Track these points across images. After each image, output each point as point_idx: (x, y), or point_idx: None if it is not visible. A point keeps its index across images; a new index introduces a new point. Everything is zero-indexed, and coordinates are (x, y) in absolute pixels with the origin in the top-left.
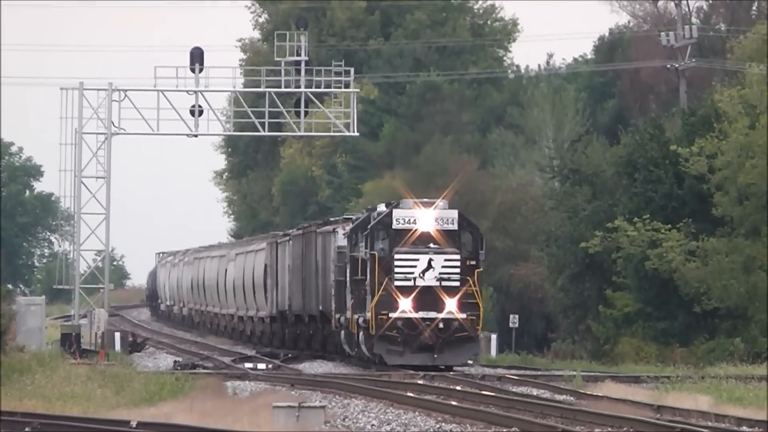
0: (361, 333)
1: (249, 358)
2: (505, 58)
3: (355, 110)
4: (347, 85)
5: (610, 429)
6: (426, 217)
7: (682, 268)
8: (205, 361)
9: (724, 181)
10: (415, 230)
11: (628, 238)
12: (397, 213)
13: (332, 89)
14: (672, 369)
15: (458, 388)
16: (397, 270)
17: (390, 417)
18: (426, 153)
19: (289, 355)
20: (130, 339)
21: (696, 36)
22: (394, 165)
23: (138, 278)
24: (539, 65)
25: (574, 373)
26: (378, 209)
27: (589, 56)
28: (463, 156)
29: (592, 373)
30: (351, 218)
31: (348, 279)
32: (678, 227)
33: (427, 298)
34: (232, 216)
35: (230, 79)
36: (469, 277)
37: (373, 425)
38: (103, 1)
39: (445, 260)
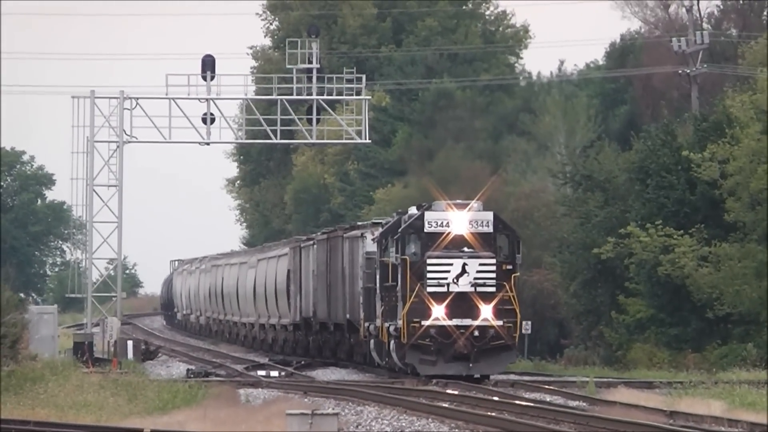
0: (392, 342)
1: (262, 366)
2: (516, 64)
3: (367, 117)
4: (359, 93)
5: None
6: (460, 219)
7: (695, 274)
8: (218, 369)
9: (737, 186)
10: (449, 233)
11: (641, 243)
12: (429, 215)
13: (344, 96)
14: (685, 374)
15: (471, 394)
16: (429, 275)
17: (403, 424)
18: (439, 159)
19: (302, 363)
20: (143, 347)
21: (707, 42)
22: (406, 172)
23: (150, 286)
24: (551, 72)
25: (587, 379)
26: (409, 212)
27: (601, 62)
28: (475, 163)
29: (605, 379)
30: (380, 222)
31: (378, 286)
32: (690, 233)
33: (462, 304)
34: (245, 224)
35: (242, 86)
36: (505, 283)
37: None
38: (114, 9)
39: (480, 265)
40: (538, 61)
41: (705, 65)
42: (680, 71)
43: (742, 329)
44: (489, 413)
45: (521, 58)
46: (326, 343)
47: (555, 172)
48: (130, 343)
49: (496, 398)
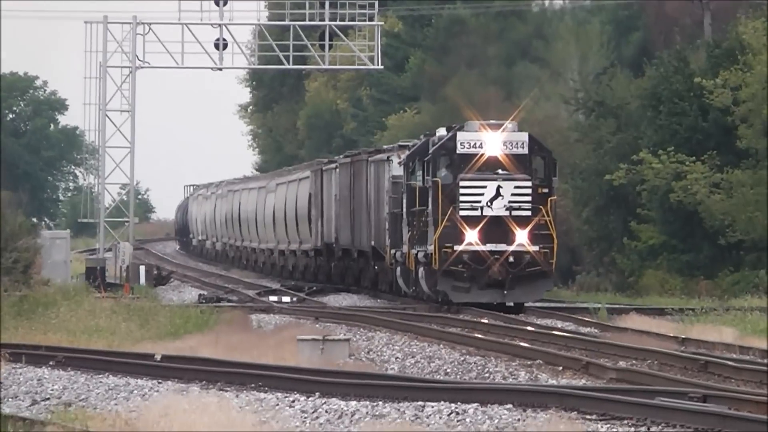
0: (421, 269)
1: (273, 292)
2: None
3: (380, 43)
4: (371, 18)
5: (634, 361)
6: (493, 140)
7: (707, 201)
8: (230, 295)
9: (749, 113)
10: (482, 155)
11: (653, 170)
12: (461, 136)
13: (356, 22)
14: (696, 301)
15: (483, 320)
16: (462, 198)
17: (414, 350)
18: (452, 86)
19: (314, 288)
20: (155, 272)
21: None
22: (419, 98)
23: (162, 212)
24: None
25: (599, 305)
26: (438, 133)
27: None
28: (489, 89)
29: (617, 306)
30: (407, 145)
31: (404, 211)
32: (702, 160)
33: (496, 229)
34: (257, 149)
35: (254, 12)
36: (541, 206)
37: (397, 358)
38: None
39: (515, 187)
40: None
41: None
42: None
43: (755, 256)
44: (500, 339)
45: None
46: (349, 270)
47: (567, 99)
48: (142, 268)
49: (504, 324)
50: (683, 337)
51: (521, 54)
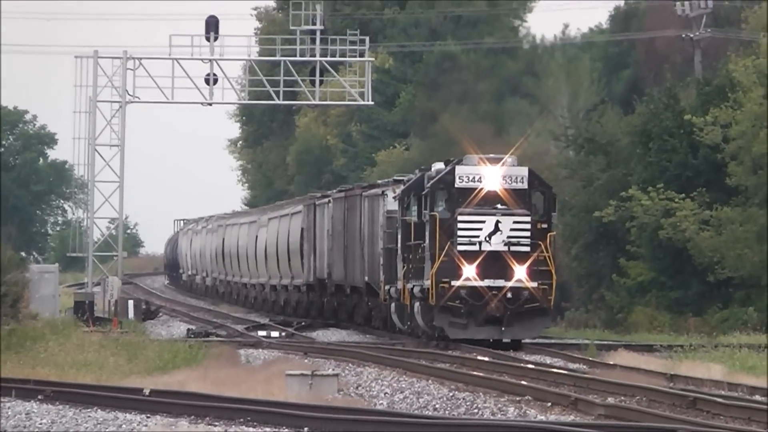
0: (417, 304)
1: (262, 326)
2: (521, 27)
3: (370, 79)
4: (362, 54)
5: (623, 397)
6: (493, 174)
7: (696, 238)
8: (219, 329)
9: (739, 150)
10: (481, 189)
11: (643, 207)
12: (460, 170)
13: (347, 58)
14: (685, 338)
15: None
16: (460, 233)
17: (403, 385)
18: (442, 122)
19: (303, 323)
20: (144, 307)
21: (711, 6)
22: (409, 134)
23: (151, 246)
24: (555, 35)
25: (588, 341)
26: (434, 167)
27: (605, 26)
28: (478, 125)
29: (606, 342)
30: (401, 180)
31: (400, 245)
32: (692, 197)
33: (494, 264)
34: (247, 185)
35: (245, 47)
36: (540, 242)
37: (386, 393)
38: None
39: (514, 222)
40: (542, 24)
41: (708, 29)
42: (684, 35)
43: (743, 293)
44: (489, 375)
45: (525, 22)
46: (342, 306)
47: (557, 135)
48: (130, 302)
49: (493, 360)
50: (672, 373)
51: (511, 90)
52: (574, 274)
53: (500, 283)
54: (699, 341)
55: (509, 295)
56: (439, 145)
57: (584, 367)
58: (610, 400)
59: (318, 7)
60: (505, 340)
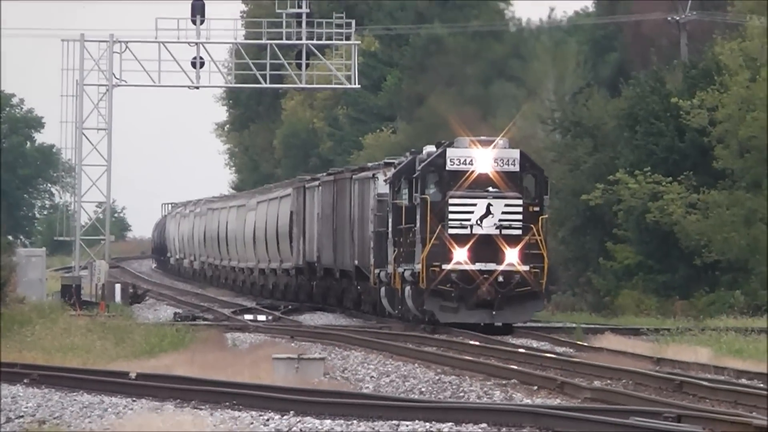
0: (407, 288)
1: (249, 310)
2: (507, 11)
3: (356, 62)
4: (348, 38)
5: (609, 381)
6: (484, 157)
7: (683, 221)
8: (206, 313)
9: (725, 134)
10: (472, 172)
11: (629, 190)
12: (451, 153)
13: (333, 41)
14: (672, 321)
15: (458, 339)
16: (451, 216)
17: (389, 369)
18: (429, 105)
19: (289, 307)
20: (131, 291)
21: None
22: (395, 117)
23: (138, 230)
24: (540, 18)
25: (575, 325)
26: (425, 150)
27: (591, 10)
28: (465, 108)
29: (593, 326)
30: (392, 163)
31: (390, 229)
32: (679, 180)
33: (486, 248)
34: (234, 168)
35: (231, 30)
36: (532, 225)
37: (372, 377)
38: None
39: (506, 205)
40: (528, 7)
41: (694, 12)
42: (670, 18)
43: (730, 276)
44: (475, 359)
45: (511, 5)
46: (331, 290)
47: (544, 118)
48: (117, 286)
49: (479, 343)
50: (658, 357)
51: (498, 73)
52: (561, 257)
53: (491, 266)
54: (686, 324)
55: (500, 278)
56: (425, 129)
57: (571, 350)
58: (597, 383)
59: None
60: (496, 324)
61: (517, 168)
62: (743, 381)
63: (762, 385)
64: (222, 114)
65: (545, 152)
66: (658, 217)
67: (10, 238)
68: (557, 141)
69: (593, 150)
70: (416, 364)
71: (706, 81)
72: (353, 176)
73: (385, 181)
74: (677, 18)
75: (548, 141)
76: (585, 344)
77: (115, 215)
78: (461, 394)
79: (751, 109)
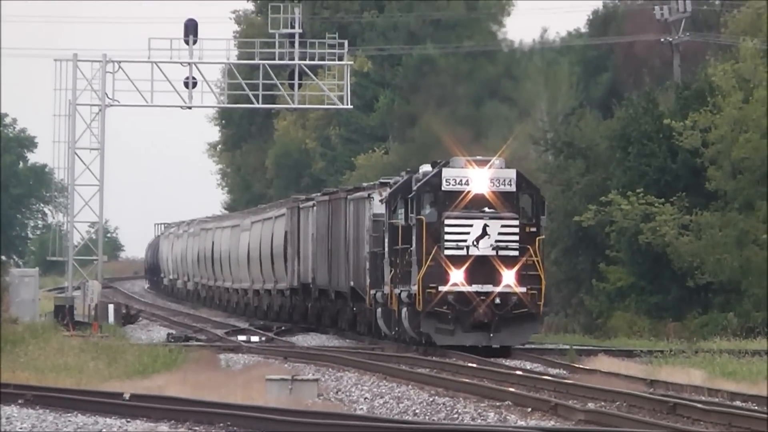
0: (404, 309)
1: (242, 331)
2: (499, 32)
3: (349, 83)
4: (341, 58)
5: (603, 403)
6: (480, 177)
7: (676, 242)
8: (199, 334)
9: (718, 155)
10: (468, 192)
11: (622, 211)
12: (447, 173)
13: (326, 62)
14: (665, 343)
15: (451, 361)
16: (447, 237)
17: (383, 390)
18: (421, 125)
19: (282, 328)
20: (124, 311)
21: (690, 10)
22: (387, 137)
23: (131, 250)
24: (533, 39)
25: (568, 347)
26: (421, 170)
27: (583, 30)
28: (457, 128)
29: (586, 347)
30: (388, 182)
31: (386, 250)
32: (671, 201)
33: (482, 269)
34: (226, 188)
35: (224, 51)
36: (529, 246)
37: (366, 398)
38: None
39: (502, 226)
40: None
41: (687, 33)
42: (663, 39)
43: (723, 298)
44: (469, 380)
45: (504, 26)
46: (326, 311)
47: (536, 139)
48: (110, 306)
49: (474, 365)
50: (652, 379)
51: (490, 94)
52: (554, 278)
53: (488, 288)
54: (678, 346)
55: (497, 300)
56: (417, 149)
57: (564, 372)
58: (591, 405)
59: (296, 10)
60: (494, 346)
61: (513, 188)
62: (737, 403)
63: (756, 407)
64: (214, 134)
65: (537, 173)
66: (650, 239)
67: (3, 258)
68: (549, 162)
69: (585, 171)
70: (410, 386)
71: (699, 102)
72: (348, 196)
73: (381, 201)
74: (670, 39)
75: (540, 162)
76: (578, 366)
77: (108, 235)
78: (455, 416)
79: (743, 131)
